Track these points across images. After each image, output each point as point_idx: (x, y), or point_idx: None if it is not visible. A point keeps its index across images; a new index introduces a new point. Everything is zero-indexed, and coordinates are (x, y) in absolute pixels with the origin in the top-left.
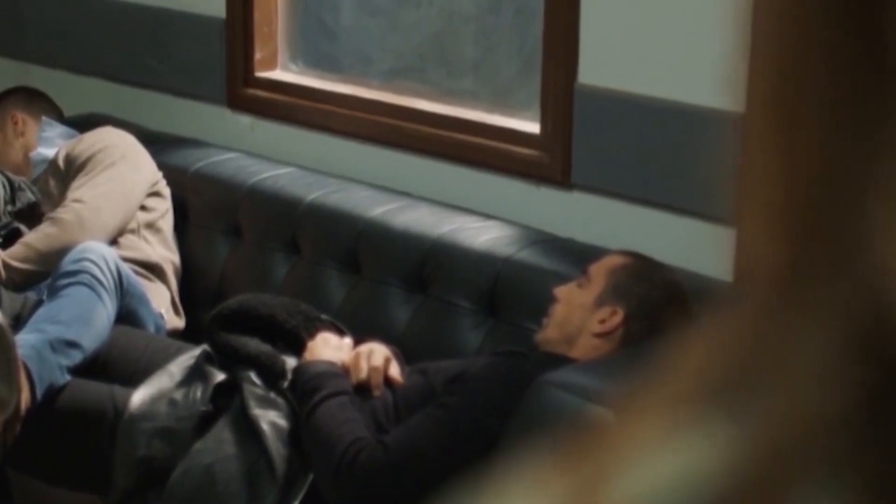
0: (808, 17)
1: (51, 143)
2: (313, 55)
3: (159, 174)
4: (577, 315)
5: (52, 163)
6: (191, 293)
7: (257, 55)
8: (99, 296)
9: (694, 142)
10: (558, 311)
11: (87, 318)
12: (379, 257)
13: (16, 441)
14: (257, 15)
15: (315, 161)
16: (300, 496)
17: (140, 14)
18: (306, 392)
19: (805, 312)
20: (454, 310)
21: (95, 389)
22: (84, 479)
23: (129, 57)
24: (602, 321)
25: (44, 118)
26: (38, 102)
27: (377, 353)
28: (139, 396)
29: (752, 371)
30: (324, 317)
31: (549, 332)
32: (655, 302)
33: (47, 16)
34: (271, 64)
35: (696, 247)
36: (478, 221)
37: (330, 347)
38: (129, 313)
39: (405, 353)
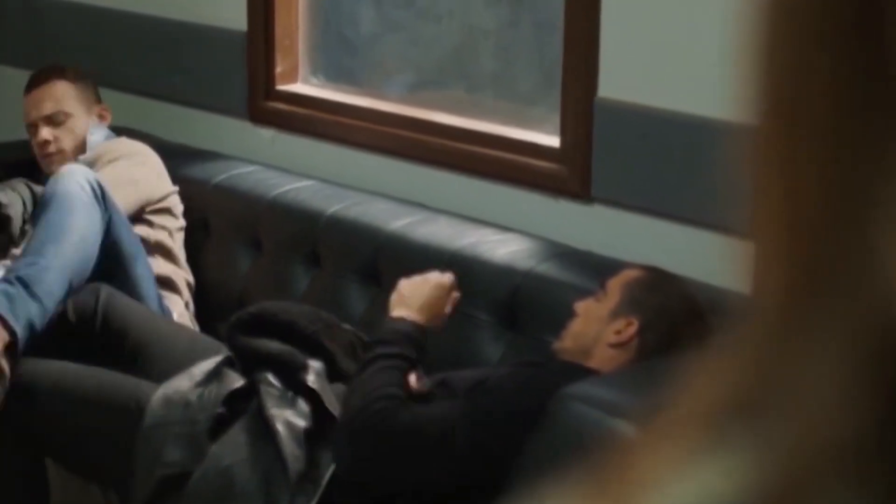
0: (807, 39)
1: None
2: (334, 69)
3: (174, 189)
4: (593, 327)
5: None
6: (211, 306)
7: (278, 68)
8: (69, 211)
9: (713, 155)
10: (575, 324)
11: (55, 237)
12: (399, 270)
13: (53, 429)
14: (278, 28)
15: (335, 174)
16: (316, 496)
17: (162, 27)
18: (380, 340)
19: (814, 336)
20: (474, 322)
21: (122, 382)
22: (108, 475)
23: (150, 70)
24: (617, 332)
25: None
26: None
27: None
28: (158, 399)
29: (765, 395)
30: (346, 326)
31: (566, 343)
32: (670, 313)
33: (69, 29)
34: (292, 77)
35: (716, 260)
36: (497, 234)
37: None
38: (118, 270)
39: (425, 365)
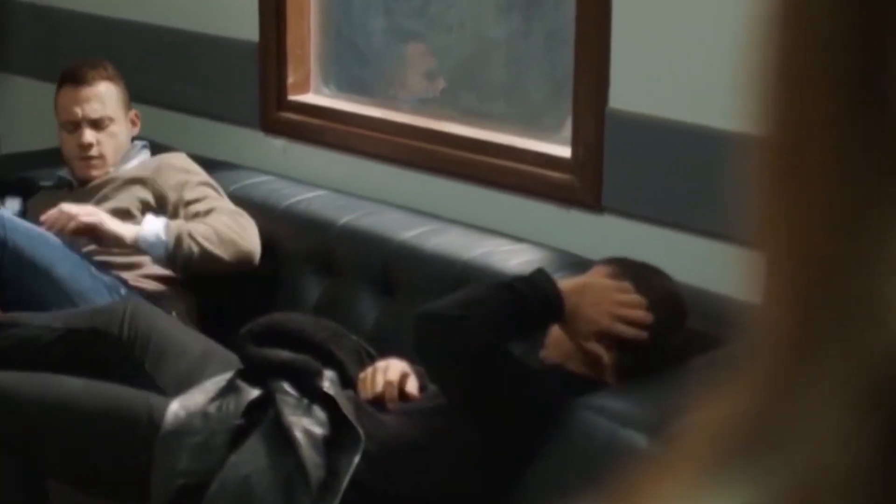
0: (812, 80)
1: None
2: (346, 79)
3: None
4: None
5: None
6: (225, 314)
7: (290, 79)
8: None
9: (724, 166)
10: (553, 332)
11: None
12: (411, 280)
13: (54, 446)
14: (290, 39)
15: (348, 184)
16: (335, 503)
17: (174, 38)
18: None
19: (818, 372)
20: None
21: (131, 395)
22: (119, 488)
23: (162, 80)
24: (591, 351)
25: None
26: None
27: (393, 368)
28: (174, 411)
29: (770, 429)
30: (353, 337)
31: (550, 353)
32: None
33: (83, 40)
34: (304, 87)
35: (727, 271)
36: (509, 244)
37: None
38: (35, 282)
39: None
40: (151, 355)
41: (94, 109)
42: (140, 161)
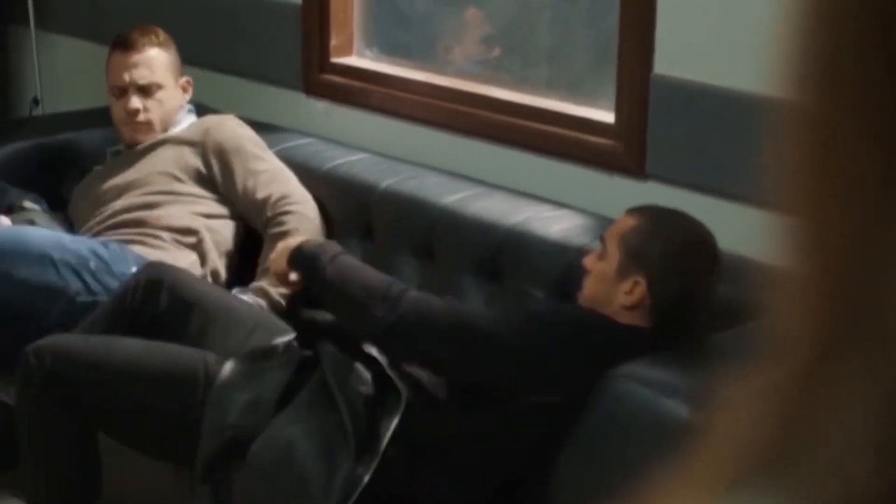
0: (845, 88)
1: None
2: (388, 42)
3: None
4: (604, 290)
5: (186, 140)
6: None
7: (333, 41)
8: None
9: (767, 133)
10: (587, 286)
11: None
12: (453, 245)
13: (109, 403)
14: (333, 2)
15: (389, 147)
16: (374, 464)
17: (218, 0)
18: (315, 255)
19: (844, 386)
20: (528, 298)
21: (189, 355)
22: (171, 447)
23: (206, 42)
24: (628, 293)
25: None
26: None
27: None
28: (230, 367)
29: (794, 445)
30: None
31: (585, 306)
32: (673, 258)
33: (126, 1)
34: (347, 50)
35: (769, 237)
36: (551, 210)
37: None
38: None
39: None
40: (197, 324)
41: (141, 76)
42: (188, 124)
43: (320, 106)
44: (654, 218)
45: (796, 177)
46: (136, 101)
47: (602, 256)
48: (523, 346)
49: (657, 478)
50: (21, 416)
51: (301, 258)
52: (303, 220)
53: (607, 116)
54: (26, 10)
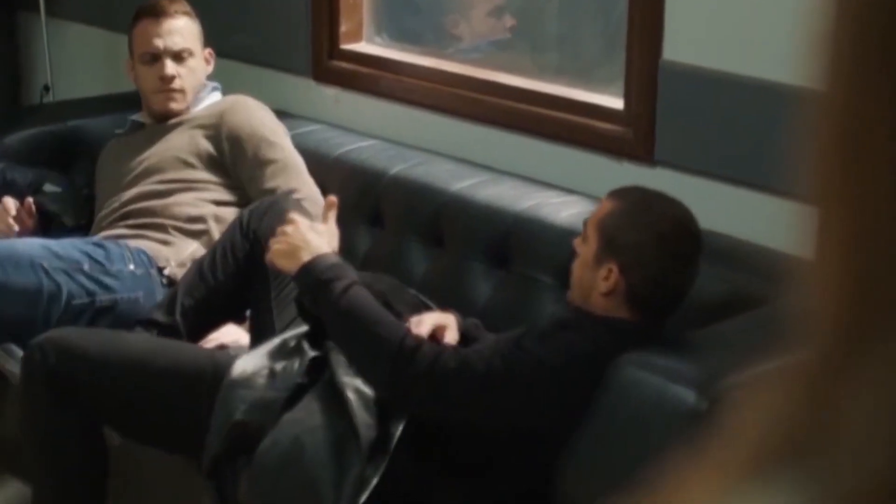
0: (871, 76)
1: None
2: (398, 28)
3: None
4: (586, 275)
5: (202, 121)
6: None
7: (342, 28)
8: None
9: (778, 119)
10: (574, 270)
11: None
12: (461, 231)
13: (115, 399)
14: None
15: (399, 133)
16: (384, 465)
17: None
18: (326, 281)
19: (865, 375)
20: (536, 285)
21: (196, 352)
22: (180, 440)
23: (216, 28)
24: (605, 279)
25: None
26: None
27: (426, 322)
28: (241, 364)
29: (814, 433)
30: (411, 291)
31: (574, 293)
32: (645, 246)
33: None
34: (356, 36)
35: (781, 225)
36: (560, 196)
37: (317, 233)
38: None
39: (486, 327)
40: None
41: (175, 42)
42: (211, 103)
43: (330, 92)
44: (632, 203)
45: (821, 165)
46: (171, 67)
47: (584, 239)
48: (538, 398)
49: (673, 465)
50: (24, 411)
51: (310, 278)
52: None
53: (616, 103)
54: None
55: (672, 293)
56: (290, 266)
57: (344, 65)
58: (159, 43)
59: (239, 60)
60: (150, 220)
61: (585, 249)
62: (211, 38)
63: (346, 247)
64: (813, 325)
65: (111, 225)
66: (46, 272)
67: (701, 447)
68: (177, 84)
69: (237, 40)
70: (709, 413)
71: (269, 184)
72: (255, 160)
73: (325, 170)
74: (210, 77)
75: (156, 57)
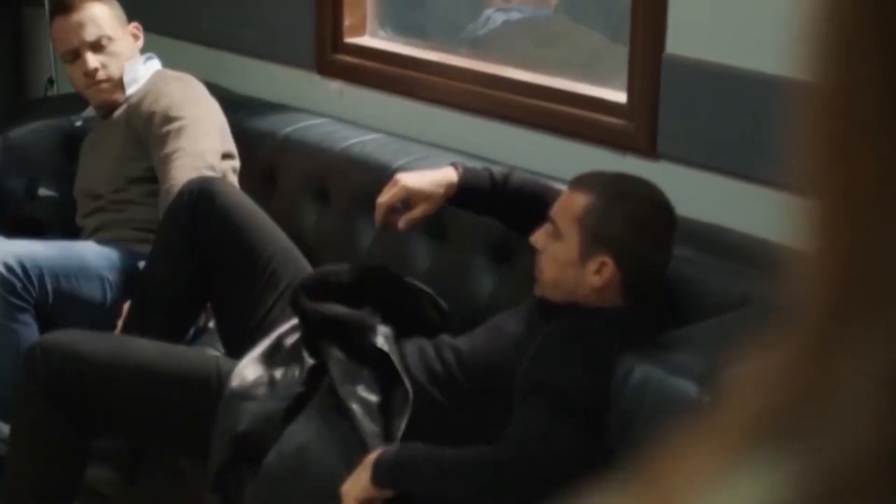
0: (864, 28)
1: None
2: (402, 22)
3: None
4: (570, 273)
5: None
6: None
7: (347, 21)
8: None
9: (781, 113)
10: (546, 269)
11: None
12: (465, 226)
13: (119, 405)
14: None
15: (403, 127)
16: None
17: None
18: (406, 476)
19: (857, 348)
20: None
21: (203, 358)
22: (185, 445)
23: (219, 22)
24: (597, 273)
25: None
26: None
27: (387, 190)
28: (239, 372)
29: (807, 409)
30: (422, 287)
31: (548, 291)
32: (635, 231)
33: None
34: (360, 30)
35: (781, 218)
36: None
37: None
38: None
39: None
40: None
41: (89, 33)
42: (147, 79)
43: (334, 86)
44: (606, 191)
45: (814, 155)
46: (92, 60)
47: (556, 236)
48: (603, 415)
49: (670, 444)
50: (19, 409)
51: (391, 474)
52: (180, 175)
53: (619, 96)
54: None
55: (660, 272)
56: (363, 481)
57: (348, 58)
58: (74, 38)
59: (243, 54)
60: (118, 232)
61: (560, 246)
62: (214, 32)
63: (352, 241)
64: (803, 307)
65: (89, 227)
66: (102, 284)
67: (697, 426)
68: (102, 75)
69: (241, 34)
70: (711, 406)
71: (165, 150)
72: (158, 135)
73: (329, 163)
74: (214, 72)
75: (76, 53)
